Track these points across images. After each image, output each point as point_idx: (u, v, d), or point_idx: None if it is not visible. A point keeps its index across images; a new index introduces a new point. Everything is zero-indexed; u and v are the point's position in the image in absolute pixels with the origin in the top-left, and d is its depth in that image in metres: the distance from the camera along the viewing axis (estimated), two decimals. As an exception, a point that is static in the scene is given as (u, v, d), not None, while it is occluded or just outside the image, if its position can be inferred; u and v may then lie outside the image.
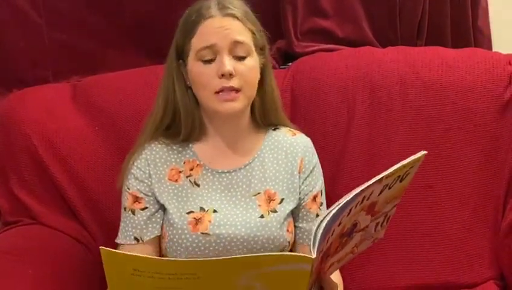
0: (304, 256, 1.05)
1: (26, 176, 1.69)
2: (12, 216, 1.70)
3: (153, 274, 1.02)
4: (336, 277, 1.40)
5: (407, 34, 1.92)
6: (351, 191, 1.10)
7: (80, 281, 1.57)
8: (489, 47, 1.96)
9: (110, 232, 1.51)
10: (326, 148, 1.67)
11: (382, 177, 1.12)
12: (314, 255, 1.05)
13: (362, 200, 1.13)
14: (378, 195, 1.17)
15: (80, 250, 1.66)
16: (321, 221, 1.07)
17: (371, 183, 1.11)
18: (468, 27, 1.93)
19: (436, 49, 1.77)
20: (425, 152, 1.18)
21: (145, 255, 1.12)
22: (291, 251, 1.44)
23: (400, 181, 1.20)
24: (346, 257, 1.25)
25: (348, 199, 1.08)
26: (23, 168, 1.69)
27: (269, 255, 1.16)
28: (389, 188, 1.18)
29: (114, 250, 1.05)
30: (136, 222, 1.41)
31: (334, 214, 1.07)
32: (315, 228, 1.07)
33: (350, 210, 1.12)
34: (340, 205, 1.07)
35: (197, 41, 1.36)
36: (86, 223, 1.70)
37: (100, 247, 1.03)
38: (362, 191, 1.10)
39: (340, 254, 1.21)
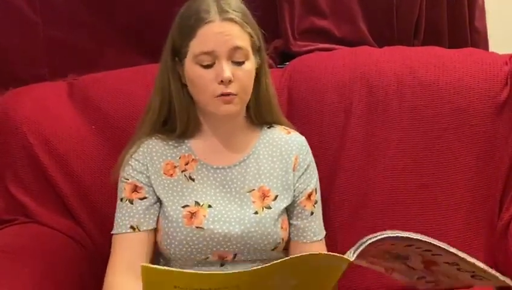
0: (342, 257, 1.06)
1: (22, 175, 1.69)
2: (8, 214, 1.69)
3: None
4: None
5: (404, 33, 1.92)
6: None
7: (75, 279, 1.57)
8: (486, 47, 1.96)
9: (105, 231, 1.50)
10: (323, 148, 1.67)
11: (459, 256, 1.14)
12: (352, 259, 1.06)
13: (426, 251, 1.15)
14: (444, 263, 1.19)
15: (76, 248, 1.66)
16: (381, 235, 1.09)
17: (442, 246, 1.13)
18: (465, 27, 1.93)
19: (433, 49, 1.77)
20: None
21: (186, 270, 1.08)
22: (284, 247, 1.45)
23: (472, 277, 1.22)
24: (375, 266, 1.26)
25: (416, 237, 1.10)
26: (19, 166, 1.68)
27: (309, 255, 1.11)
28: (458, 269, 1.20)
29: (155, 266, 1.03)
30: (134, 211, 1.41)
31: (397, 236, 1.10)
32: (368, 237, 1.09)
33: (410, 245, 1.13)
34: (408, 235, 1.10)
35: (196, 46, 1.35)
36: (81, 222, 1.69)
37: (141, 264, 1.01)
38: (433, 245, 1.12)
39: (374, 261, 1.22)
